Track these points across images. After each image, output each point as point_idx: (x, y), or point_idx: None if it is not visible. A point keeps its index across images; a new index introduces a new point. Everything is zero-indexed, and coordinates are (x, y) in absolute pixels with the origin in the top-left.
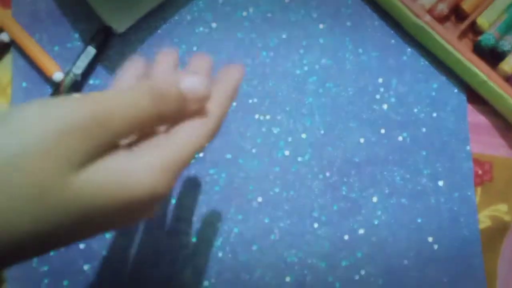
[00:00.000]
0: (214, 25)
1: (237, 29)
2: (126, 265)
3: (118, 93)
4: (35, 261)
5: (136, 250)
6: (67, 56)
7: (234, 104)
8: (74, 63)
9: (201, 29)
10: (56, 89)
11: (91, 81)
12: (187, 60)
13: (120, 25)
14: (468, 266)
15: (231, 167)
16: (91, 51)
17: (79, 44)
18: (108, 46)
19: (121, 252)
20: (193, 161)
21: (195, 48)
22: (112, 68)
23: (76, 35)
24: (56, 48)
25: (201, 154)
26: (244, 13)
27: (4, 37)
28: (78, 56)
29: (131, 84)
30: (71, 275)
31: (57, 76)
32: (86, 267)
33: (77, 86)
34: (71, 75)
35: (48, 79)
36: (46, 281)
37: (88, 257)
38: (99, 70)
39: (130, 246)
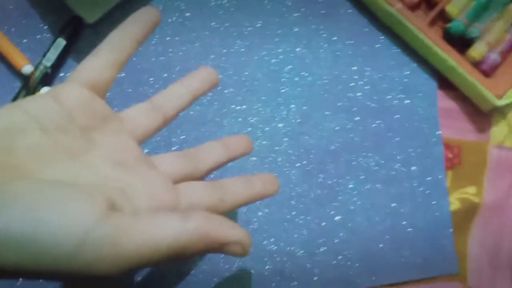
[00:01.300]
0: (187, 14)
1: (211, 18)
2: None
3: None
4: None
5: None
6: (36, 49)
7: (210, 94)
8: (44, 56)
9: (174, 18)
10: (26, 82)
11: (61, 74)
12: (160, 49)
13: (90, 15)
14: (440, 247)
15: None
16: (61, 42)
17: (48, 36)
18: (79, 37)
19: None
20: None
21: (168, 38)
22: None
23: (46, 27)
24: (25, 40)
25: (177, 147)
26: (218, 1)
27: None
28: (48, 48)
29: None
30: None
31: (27, 69)
32: None
33: (47, 79)
34: (41, 67)
35: (17, 73)
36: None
37: None
38: (70, 62)
39: None
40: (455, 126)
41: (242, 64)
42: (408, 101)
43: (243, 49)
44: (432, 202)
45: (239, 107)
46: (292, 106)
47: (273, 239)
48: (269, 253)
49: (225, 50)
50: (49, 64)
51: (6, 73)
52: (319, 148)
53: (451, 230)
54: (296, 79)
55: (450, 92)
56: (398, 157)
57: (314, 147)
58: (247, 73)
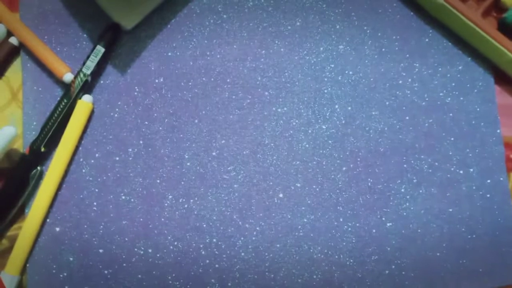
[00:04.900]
0: (224, 16)
1: (249, 18)
2: (147, 269)
3: None
4: (54, 267)
5: (158, 253)
6: (76, 57)
7: (249, 97)
8: (83, 63)
9: (211, 21)
10: (67, 90)
11: (101, 81)
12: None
13: (128, 22)
14: (503, 255)
15: (249, 163)
16: (100, 50)
17: (88, 43)
18: (118, 44)
19: (142, 256)
20: (209, 159)
21: (205, 41)
22: (122, 66)
23: (85, 35)
24: (65, 49)
25: (217, 152)
26: (256, 1)
27: (13, 40)
28: (88, 56)
29: None
30: (91, 280)
31: (68, 77)
32: (106, 272)
33: (88, 86)
34: (81, 75)
35: (59, 81)
36: (66, 287)
37: (107, 261)
38: (110, 69)
39: (151, 249)
40: None
41: (282, 64)
42: (463, 98)
43: (282, 49)
44: (494, 207)
45: (280, 109)
46: (336, 106)
47: (319, 248)
48: (317, 262)
49: (264, 51)
50: (88, 71)
51: (48, 81)
52: (366, 151)
53: None
54: (339, 78)
55: (508, 87)
56: (454, 159)
57: (361, 149)
58: (287, 73)
